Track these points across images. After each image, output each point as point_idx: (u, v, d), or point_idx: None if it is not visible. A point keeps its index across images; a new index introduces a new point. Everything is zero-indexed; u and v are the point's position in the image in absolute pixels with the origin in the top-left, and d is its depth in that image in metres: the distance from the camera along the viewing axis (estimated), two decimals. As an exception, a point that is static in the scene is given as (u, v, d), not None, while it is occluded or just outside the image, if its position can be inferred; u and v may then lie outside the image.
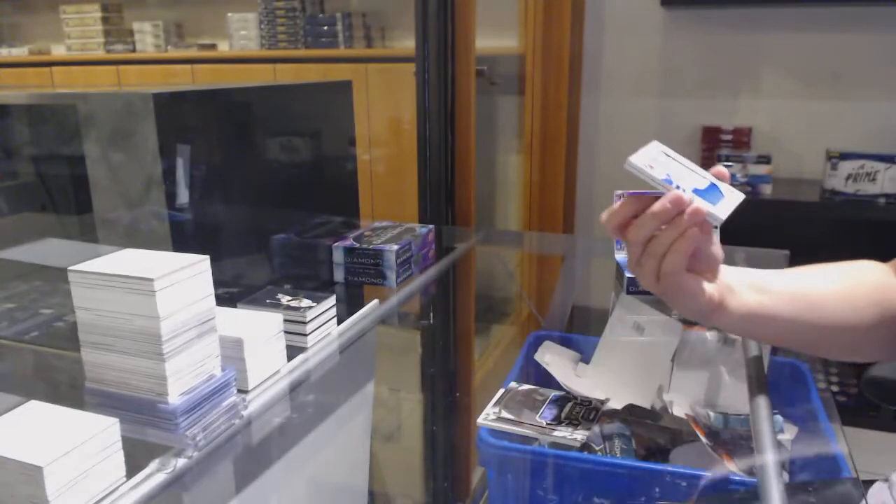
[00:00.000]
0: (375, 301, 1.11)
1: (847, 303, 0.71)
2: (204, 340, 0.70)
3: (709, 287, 0.65)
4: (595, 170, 2.61)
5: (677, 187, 0.62)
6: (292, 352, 0.88)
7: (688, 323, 0.97)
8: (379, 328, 1.08)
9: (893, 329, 0.71)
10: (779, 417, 0.87)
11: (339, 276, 1.21)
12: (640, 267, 0.65)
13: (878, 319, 0.70)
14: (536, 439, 0.87)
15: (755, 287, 0.68)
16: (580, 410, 0.88)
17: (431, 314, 1.35)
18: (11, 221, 1.06)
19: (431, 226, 1.34)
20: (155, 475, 0.64)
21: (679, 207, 0.61)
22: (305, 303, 0.92)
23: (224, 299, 0.84)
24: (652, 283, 0.65)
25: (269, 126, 1.07)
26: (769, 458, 0.66)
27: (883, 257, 0.78)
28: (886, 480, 0.76)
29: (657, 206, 0.61)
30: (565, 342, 1.10)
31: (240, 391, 0.77)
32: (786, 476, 0.84)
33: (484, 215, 2.62)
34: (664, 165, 0.63)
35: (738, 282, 0.68)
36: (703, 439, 0.82)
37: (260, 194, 1.07)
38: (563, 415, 0.87)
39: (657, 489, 0.77)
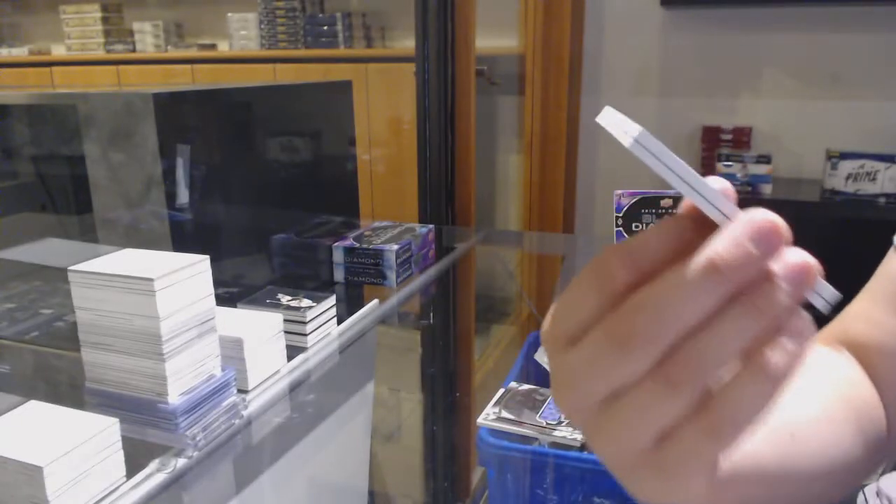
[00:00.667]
0: (375, 301, 1.11)
1: (830, 431, 0.42)
2: (204, 340, 0.70)
3: None
4: (595, 170, 2.61)
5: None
6: (292, 352, 0.88)
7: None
8: (379, 328, 1.08)
9: (876, 456, 0.46)
10: (779, 417, 0.87)
11: (339, 275, 1.21)
12: (631, 416, 0.25)
13: (863, 450, 0.43)
14: (536, 439, 0.87)
15: None
16: (580, 410, 0.88)
17: (431, 314, 1.34)
18: (11, 221, 1.06)
19: (431, 226, 1.34)
20: (155, 475, 0.64)
21: (772, 248, 0.24)
22: (305, 303, 0.92)
23: (224, 299, 0.84)
24: (643, 460, 0.26)
25: (269, 126, 1.07)
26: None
27: (883, 257, 0.78)
28: (878, 492, 0.75)
29: (729, 242, 0.23)
30: (565, 342, 1.10)
31: (240, 391, 0.77)
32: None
33: (484, 215, 2.62)
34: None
35: None
36: (703, 439, 0.82)
37: (260, 194, 1.07)
38: (563, 415, 0.87)
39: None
